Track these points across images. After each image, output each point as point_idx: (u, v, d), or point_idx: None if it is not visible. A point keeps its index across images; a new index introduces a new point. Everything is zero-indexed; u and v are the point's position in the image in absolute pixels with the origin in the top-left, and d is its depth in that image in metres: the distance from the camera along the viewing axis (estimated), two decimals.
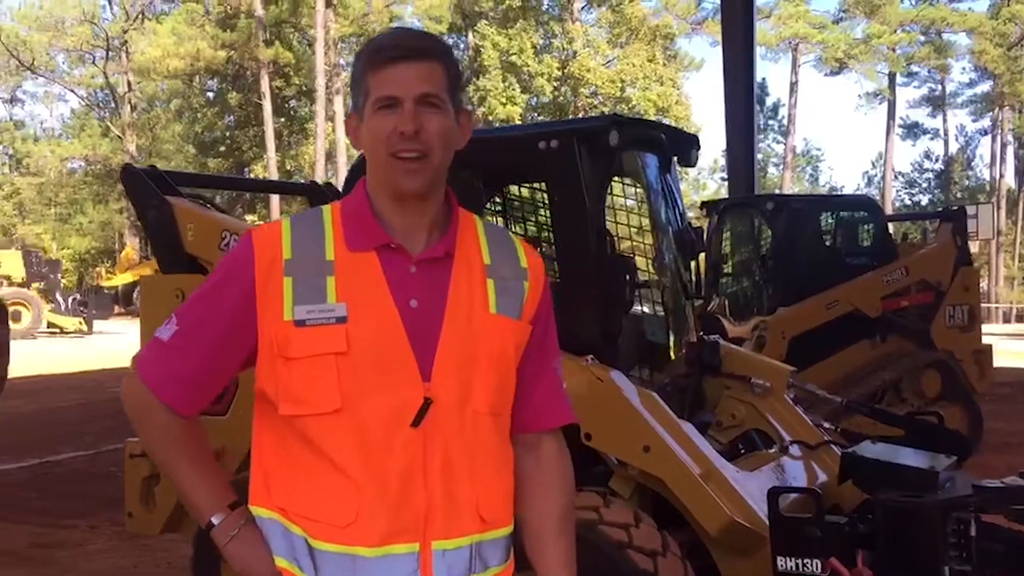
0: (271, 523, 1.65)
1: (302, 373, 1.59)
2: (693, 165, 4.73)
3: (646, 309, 4.52)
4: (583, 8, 42.96)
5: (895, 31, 44.47)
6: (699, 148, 4.66)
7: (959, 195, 50.19)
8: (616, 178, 4.33)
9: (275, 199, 37.66)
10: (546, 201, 4.31)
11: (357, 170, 4.31)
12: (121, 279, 35.12)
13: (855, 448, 3.80)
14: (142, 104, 47.50)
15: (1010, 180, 50.44)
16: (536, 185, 4.49)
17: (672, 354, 4.60)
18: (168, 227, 4.55)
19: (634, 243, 4.32)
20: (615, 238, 4.20)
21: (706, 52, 63.62)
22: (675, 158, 4.58)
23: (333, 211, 1.71)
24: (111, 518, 6.61)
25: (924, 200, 52.81)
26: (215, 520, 1.67)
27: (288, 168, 40.94)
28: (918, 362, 8.86)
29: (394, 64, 1.62)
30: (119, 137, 44.93)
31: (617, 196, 4.36)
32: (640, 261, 4.36)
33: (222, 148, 43.07)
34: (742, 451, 4.39)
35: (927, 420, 4.62)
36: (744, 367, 4.61)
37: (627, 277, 4.12)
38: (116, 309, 34.45)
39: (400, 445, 1.58)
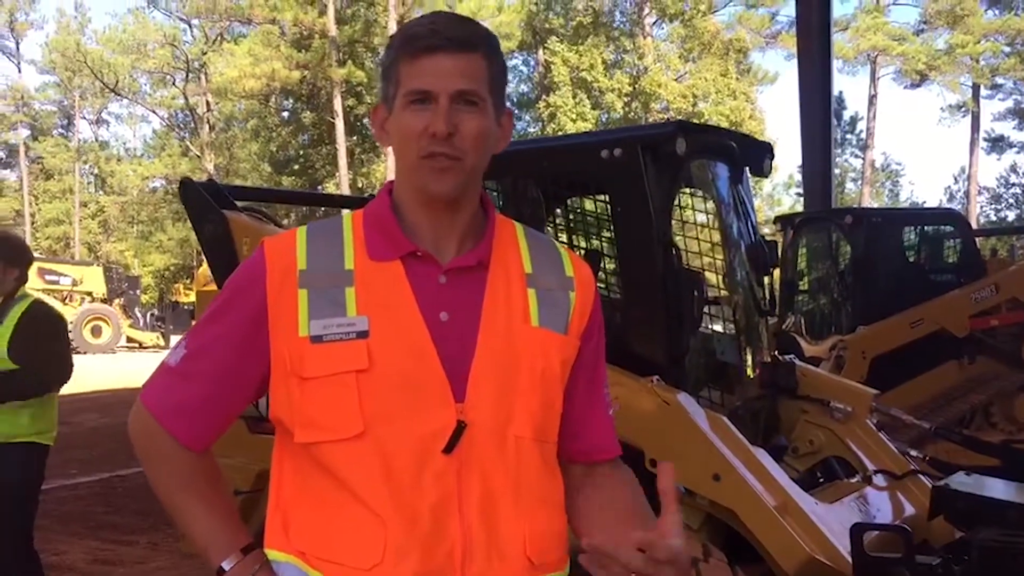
0: (288, 568, 1.46)
1: (319, 394, 1.42)
2: (766, 175, 4.47)
3: (716, 327, 4.27)
4: (654, 23, 42.60)
5: (978, 41, 43.06)
6: (772, 157, 4.41)
7: None
8: (684, 189, 4.11)
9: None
10: (610, 213, 4.11)
11: None
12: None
13: (947, 480, 3.50)
14: (220, 124, 48.64)
15: None
16: (600, 196, 4.29)
17: (748, 374, 4.34)
18: (224, 241, 4.47)
19: (703, 257, 4.08)
20: (683, 252, 3.97)
21: (780, 65, 62.64)
22: (747, 168, 4.34)
23: (355, 218, 1.53)
24: (172, 535, 6.57)
25: (1011, 216, 50.91)
26: (225, 566, 1.48)
27: (360, 186, 41.34)
28: (1010, 385, 8.35)
29: (430, 54, 1.42)
30: (198, 156, 46.05)
31: (685, 208, 4.14)
32: (710, 276, 4.12)
33: (296, 167, 43.75)
34: (821, 480, 4.11)
35: None
36: (822, 389, 4.33)
37: (695, 293, 3.89)
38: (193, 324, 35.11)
39: (431, 475, 1.39)
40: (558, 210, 4.55)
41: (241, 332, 1.47)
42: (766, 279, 4.44)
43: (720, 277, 4.22)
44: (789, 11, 40.97)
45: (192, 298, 36.45)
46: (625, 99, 39.67)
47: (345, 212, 1.58)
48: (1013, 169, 52.29)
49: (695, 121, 33.77)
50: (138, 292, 34.36)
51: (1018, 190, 52.00)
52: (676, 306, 3.76)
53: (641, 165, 3.72)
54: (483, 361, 1.44)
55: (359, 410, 1.39)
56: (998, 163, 69.61)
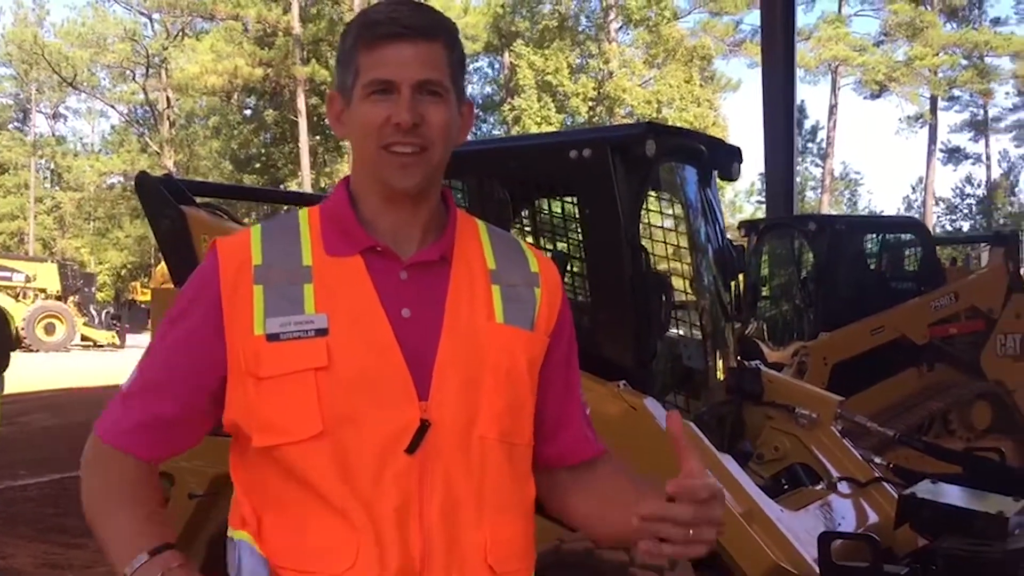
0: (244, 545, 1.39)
1: (276, 394, 1.34)
2: (735, 179, 4.44)
3: (682, 331, 4.23)
4: (619, 28, 42.80)
5: (937, 54, 43.78)
6: (741, 161, 4.38)
7: (1001, 221, 49.14)
8: (652, 191, 4.06)
9: None
10: (577, 215, 4.05)
11: None
12: None
13: (913, 489, 3.48)
14: (180, 120, 48.04)
15: None
16: (567, 198, 4.23)
17: (712, 380, 4.30)
18: (181, 238, 4.34)
19: (670, 261, 4.04)
20: (651, 255, 3.93)
21: (743, 73, 63.31)
22: (715, 171, 4.31)
23: (311, 214, 1.47)
24: None
25: (965, 226, 51.83)
26: (127, 571, 1.35)
27: (323, 185, 41.05)
28: (967, 393, 8.44)
29: (391, 43, 1.37)
30: (157, 153, 45.42)
31: (653, 211, 4.09)
32: (678, 280, 4.08)
33: (257, 165, 43.36)
34: (785, 487, 4.08)
35: (988, 457, 4.28)
36: (788, 396, 4.31)
37: (663, 297, 3.84)
38: (150, 323, 34.61)
39: (392, 476, 1.33)
40: (524, 211, 4.48)
41: (198, 339, 1.40)
42: (733, 284, 4.41)
43: (688, 281, 4.18)
44: (752, 20, 41.41)
45: (149, 296, 35.95)
46: (590, 103, 39.80)
47: (302, 209, 1.49)
48: (968, 180, 53.30)
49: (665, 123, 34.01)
50: (93, 289, 33.76)
51: (973, 201, 52.96)
52: (644, 310, 3.71)
53: (610, 166, 3.67)
54: (447, 358, 1.38)
55: (318, 409, 1.33)
56: (954, 174, 70.99)
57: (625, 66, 40.58)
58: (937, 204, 51.09)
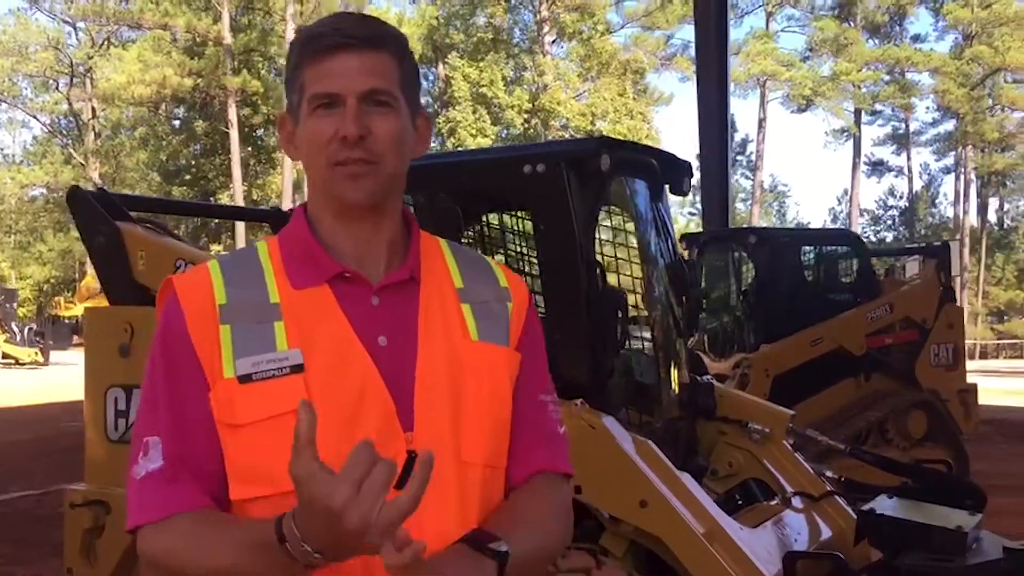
0: None
1: (255, 443, 1.24)
2: (685, 194, 4.42)
3: (638, 347, 4.20)
4: (553, 42, 43.11)
5: (860, 70, 45.06)
6: (692, 175, 4.37)
7: (923, 232, 50.67)
8: (605, 206, 4.02)
9: (241, 228, 37.15)
10: (531, 230, 4.00)
11: None
12: (80, 309, 34.35)
13: (872, 504, 3.49)
14: (106, 131, 46.89)
15: (973, 218, 51.00)
16: (520, 213, 4.17)
17: (665, 395, 4.28)
18: (117, 254, 4.17)
19: (621, 276, 4.01)
20: (605, 271, 3.88)
21: (675, 87, 64.25)
22: (666, 186, 4.29)
23: (270, 246, 1.39)
24: (56, 567, 6.12)
25: (888, 237, 53.33)
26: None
27: (255, 198, 40.48)
28: (903, 402, 8.63)
29: (334, 54, 1.30)
30: (82, 164, 44.25)
31: (604, 225, 4.05)
32: (631, 296, 4.04)
33: (187, 177, 42.53)
34: (740, 503, 4.07)
35: (936, 469, 4.32)
36: (740, 411, 4.30)
37: (619, 313, 3.80)
38: (75, 339, 33.71)
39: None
40: (476, 227, 4.41)
41: (180, 391, 1.29)
42: (685, 298, 4.40)
43: (641, 297, 4.15)
44: (683, 35, 42.17)
45: (74, 312, 34.96)
46: (525, 116, 39.95)
47: (260, 242, 1.39)
48: (891, 192, 54.87)
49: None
50: (14, 305, 32.69)
51: (895, 212, 54.49)
52: (600, 326, 3.66)
53: (565, 181, 3.61)
54: (427, 384, 1.32)
55: None
56: (878, 186, 73.07)
57: (559, 79, 40.85)
58: (862, 215, 52.47)
